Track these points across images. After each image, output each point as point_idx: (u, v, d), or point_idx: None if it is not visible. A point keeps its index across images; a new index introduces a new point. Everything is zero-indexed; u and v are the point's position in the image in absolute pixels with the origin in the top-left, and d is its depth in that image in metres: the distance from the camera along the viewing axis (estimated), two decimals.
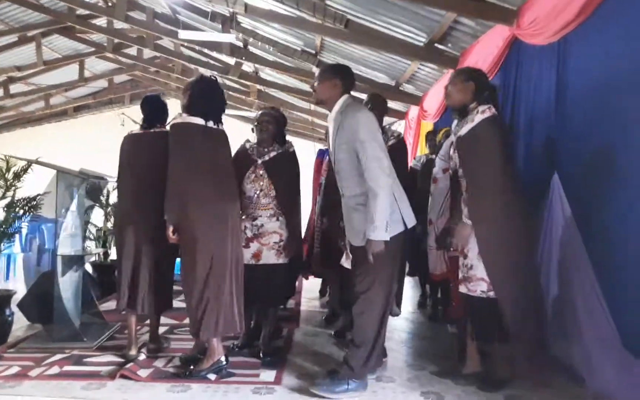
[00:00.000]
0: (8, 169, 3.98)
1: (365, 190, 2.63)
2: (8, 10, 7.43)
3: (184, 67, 9.74)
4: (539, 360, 2.94)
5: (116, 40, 8.70)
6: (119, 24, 7.78)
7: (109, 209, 5.55)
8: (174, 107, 3.45)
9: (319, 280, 5.20)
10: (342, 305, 3.72)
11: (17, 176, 3.96)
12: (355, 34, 5.52)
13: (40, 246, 6.13)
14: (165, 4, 7.02)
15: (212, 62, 8.78)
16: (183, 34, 6.68)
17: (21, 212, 3.97)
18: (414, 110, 7.20)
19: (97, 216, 5.65)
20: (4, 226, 3.86)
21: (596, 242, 2.78)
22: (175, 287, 3.35)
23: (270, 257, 3.25)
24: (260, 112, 3.50)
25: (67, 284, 3.57)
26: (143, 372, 2.89)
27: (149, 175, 3.10)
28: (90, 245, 5.40)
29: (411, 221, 2.77)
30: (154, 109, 3.34)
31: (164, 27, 7.47)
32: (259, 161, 3.31)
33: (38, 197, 4.04)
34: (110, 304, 4.57)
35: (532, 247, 2.84)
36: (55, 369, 2.97)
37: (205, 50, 8.08)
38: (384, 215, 2.58)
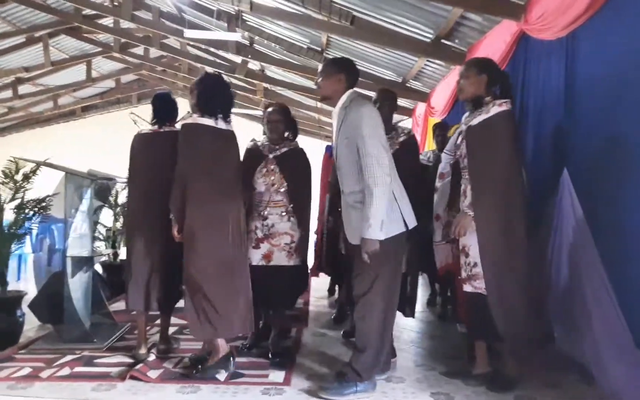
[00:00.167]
0: (17, 171, 4.01)
1: (364, 188, 2.60)
2: (15, 11, 7.48)
3: (191, 66, 9.76)
4: (544, 359, 2.95)
5: (123, 40, 8.74)
6: (125, 24, 7.81)
7: (118, 209, 5.58)
8: (182, 106, 3.47)
9: (327, 280, 5.20)
10: (351, 304, 3.71)
11: (27, 178, 4.00)
12: (361, 31, 5.50)
13: (51, 246, 6.18)
14: (171, 3, 7.03)
15: (218, 60, 8.80)
16: (189, 33, 6.69)
17: (31, 213, 4.00)
18: (421, 107, 7.16)
19: (106, 216, 5.68)
20: (13, 227, 3.89)
21: (606, 238, 2.75)
22: None
23: (281, 259, 3.21)
24: (269, 110, 3.44)
25: (77, 285, 3.60)
26: (153, 374, 2.91)
27: (160, 175, 3.10)
28: (100, 245, 5.44)
29: (412, 221, 2.73)
30: (164, 107, 3.35)
31: (170, 26, 7.49)
32: (271, 156, 3.29)
33: (47, 199, 4.07)
34: (120, 305, 4.59)
35: (527, 247, 2.79)
36: (66, 370, 2.99)
37: (212, 49, 8.09)
38: (380, 214, 2.55)
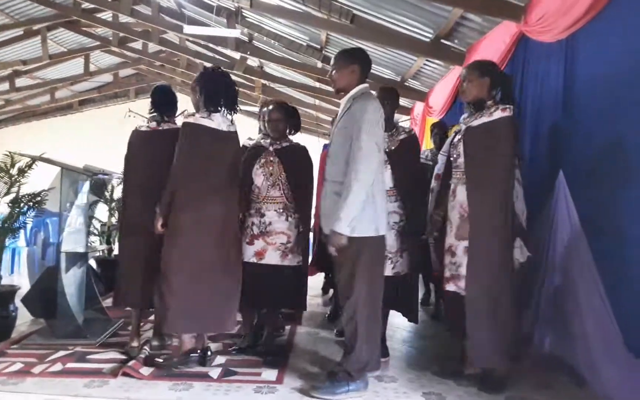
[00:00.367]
0: (12, 165, 3.98)
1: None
2: (13, 3, 7.44)
3: (189, 61, 9.73)
4: (536, 360, 2.97)
5: (121, 34, 8.70)
6: (124, 18, 7.76)
7: (113, 204, 5.56)
8: (181, 101, 3.45)
9: (321, 278, 5.18)
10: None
11: (22, 172, 3.97)
12: (360, 30, 5.48)
13: (45, 240, 6.16)
14: None
15: (217, 56, 8.77)
16: (188, 29, 6.66)
17: (26, 207, 3.97)
18: (419, 106, 7.16)
19: (101, 211, 5.66)
20: (8, 222, 3.86)
21: (600, 241, 2.75)
22: None
23: (274, 258, 3.15)
24: (269, 108, 3.38)
25: (71, 280, 3.58)
26: (145, 371, 2.89)
27: (158, 172, 3.08)
28: (95, 240, 5.41)
29: (383, 229, 2.69)
30: (163, 100, 3.34)
31: (169, 22, 7.46)
32: (271, 148, 3.26)
33: (42, 193, 4.04)
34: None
35: (511, 257, 2.79)
36: (58, 366, 2.98)
37: (211, 45, 8.07)
38: (352, 210, 2.53)
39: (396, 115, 7.01)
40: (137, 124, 3.43)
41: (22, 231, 5.01)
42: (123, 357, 3.13)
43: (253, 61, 8.61)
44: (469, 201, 2.73)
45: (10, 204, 3.90)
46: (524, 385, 2.82)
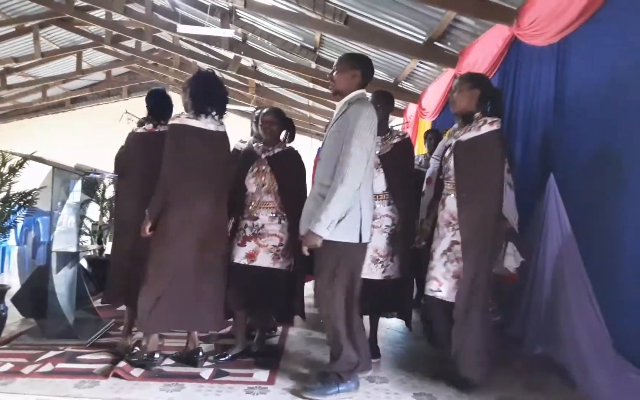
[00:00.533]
0: (4, 164, 3.95)
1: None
2: (5, 0, 7.38)
3: (183, 60, 9.71)
4: (526, 362, 2.98)
5: (114, 33, 8.67)
6: (117, 16, 7.74)
7: (105, 203, 5.53)
8: (175, 101, 3.44)
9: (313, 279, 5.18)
10: None
11: (13, 171, 3.93)
12: (354, 31, 5.50)
13: (35, 239, 6.11)
14: None
15: (210, 56, 8.76)
16: (182, 28, 6.65)
17: (16, 206, 3.94)
18: (412, 108, 7.19)
19: (93, 211, 5.63)
20: None
21: (591, 244, 2.78)
22: None
23: (265, 260, 3.11)
24: (263, 111, 3.36)
25: (62, 280, 3.55)
26: (136, 372, 2.88)
27: (154, 174, 3.06)
28: (86, 240, 5.38)
29: (367, 237, 2.68)
30: (159, 104, 3.33)
31: (163, 20, 7.44)
32: (263, 156, 3.23)
33: (34, 192, 4.01)
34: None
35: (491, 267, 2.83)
36: (48, 367, 2.96)
37: (204, 44, 8.05)
38: (333, 214, 2.51)
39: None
40: (132, 123, 3.42)
41: (12, 230, 4.97)
42: (114, 357, 3.12)
43: (247, 61, 8.61)
44: (459, 214, 2.75)
45: (0, 203, 3.87)
46: (515, 386, 2.84)
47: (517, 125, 3.80)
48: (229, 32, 6.72)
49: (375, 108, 2.78)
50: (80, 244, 4.35)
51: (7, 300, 3.72)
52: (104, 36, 8.94)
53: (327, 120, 8.82)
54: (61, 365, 2.99)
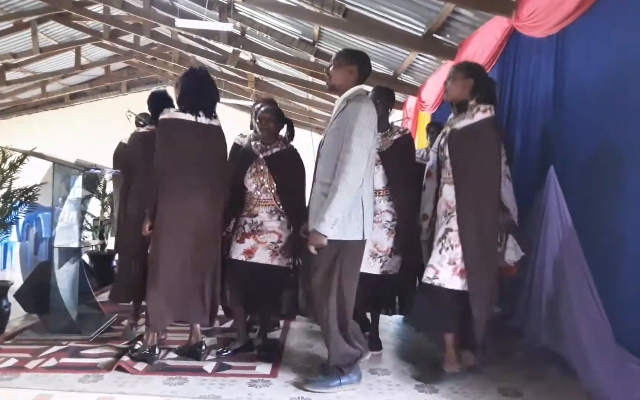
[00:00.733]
0: (4, 160, 3.96)
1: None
2: None
3: (181, 54, 9.68)
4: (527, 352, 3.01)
5: (113, 27, 8.63)
6: (115, 11, 7.71)
7: (106, 199, 5.54)
8: (173, 96, 3.44)
9: None
10: None
11: (13, 167, 3.94)
12: (353, 24, 5.49)
13: (37, 235, 6.12)
14: None
15: (209, 50, 8.73)
16: (180, 23, 6.62)
17: (18, 202, 3.95)
18: (411, 101, 7.17)
19: (94, 206, 5.64)
20: (0, 217, 3.84)
21: (591, 236, 2.78)
22: None
23: (264, 257, 3.11)
24: (262, 108, 3.33)
25: (64, 275, 3.57)
26: (140, 366, 2.90)
27: None
28: (87, 235, 5.40)
29: (367, 234, 2.69)
30: (161, 105, 3.33)
31: (161, 15, 7.41)
32: (261, 156, 3.21)
33: (34, 188, 4.02)
34: (106, 295, 4.58)
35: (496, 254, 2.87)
36: (52, 361, 2.98)
37: (203, 38, 8.02)
38: (336, 212, 2.52)
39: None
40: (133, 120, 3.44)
41: (14, 226, 4.98)
42: (117, 352, 3.14)
43: (245, 55, 8.57)
44: (457, 202, 2.76)
45: (2, 199, 3.89)
46: (516, 378, 2.86)
47: (516, 117, 3.80)
48: (227, 26, 6.69)
49: (375, 104, 2.78)
50: (81, 239, 4.37)
51: (10, 296, 3.74)
52: (102, 31, 8.91)
53: (327, 114, 8.83)
54: (65, 360, 3.01)
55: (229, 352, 3.17)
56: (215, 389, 2.67)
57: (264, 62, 8.79)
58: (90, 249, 5.49)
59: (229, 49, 8.01)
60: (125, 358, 2.96)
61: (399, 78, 6.82)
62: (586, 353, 2.62)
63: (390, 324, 3.96)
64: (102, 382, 2.72)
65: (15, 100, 11.82)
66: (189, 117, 2.96)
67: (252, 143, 3.30)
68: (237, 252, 3.12)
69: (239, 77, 9.85)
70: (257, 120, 3.27)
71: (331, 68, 2.77)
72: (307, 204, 3.29)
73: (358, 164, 2.54)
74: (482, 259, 2.73)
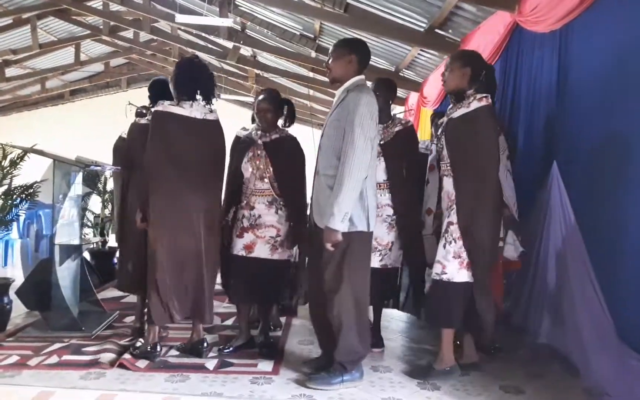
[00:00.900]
0: (5, 157, 3.95)
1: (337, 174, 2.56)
2: None
3: (181, 50, 9.64)
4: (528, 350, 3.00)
5: (112, 23, 8.61)
6: (114, 6, 7.68)
7: (107, 196, 5.53)
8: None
9: None
10: None
11: (14, 164, 3.93)
12: (354, 19, 5.46)
13: (38, 232, 6.13)
14: None
15: (209, 45, 8.70)
16: (180, 18, 6.59)
17: (18, 199, 3.95)
18: (413, 97, 7.15)
19: (95, 203, 5.63)
20: (1, 214, 3.84)
21: (594, 232, 2.78)
22: None
23: (263, 251, 3.08)
24: (259, 98, 3.29)
25: (65, 272, 3.56)
26: (141, 362, 2.90)
27: None
28: (88, 232, 5.39)
29: (372, 226, 2.68)
30: (161, 93, 3.31)
31: (161, 10, 7.39)
32: (260, 141, 3.18)
33: (35, 185, 4.01)
34: (108, 292, 4.58)
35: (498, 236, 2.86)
36: (54, 358, 2.97)
37: (203, 34, 8.00)
38: (345, 206, 2.51)
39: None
40: (132, 114, 3.42)
41: (15, 223, 4.98)
42: (119, 348, 3.13)
43: (246, 50, 8.55)
44: (455, 191, 2.74)
45: (2, 196, 3.88)
46: (518, 375, 2.85)
47: (519, 112, 3.79)
48: (227, 22, 6.66)
49: (375, 95, 2.75)
50: (82, 236, 4.36)
51: (11, 293, 3.73)
52: (101, 27, 8.88)
53: (328, 110, 8.79)
54: (67, 357, 3.01)
55: (231, 349, 3.16)
56: (217, 386, 2.66)
57: (265, 57, 8.76)
58: (91, 246, 5.48)
59: (229, 44, 7.99)
60: (127, 355, 2.96)
61: (400, 74, 6.80)
62: (588, 349, 2.62)
63: (392, 321, 3.95)
64: (104, 379, 2.71)
65: (14, 96, 11.80)
66: (181, 111, 2.94)
67: (254, 132, 3.29)
68: (237, 248, 3.11)
69: (240, 73, 9.82)
70: (256, 112, 3.25)
71: (330, 61, 2.75)
72: (307, 198, 3.29)
73: (362, 156, 2.53)
74: (484, 252, 2.70)
